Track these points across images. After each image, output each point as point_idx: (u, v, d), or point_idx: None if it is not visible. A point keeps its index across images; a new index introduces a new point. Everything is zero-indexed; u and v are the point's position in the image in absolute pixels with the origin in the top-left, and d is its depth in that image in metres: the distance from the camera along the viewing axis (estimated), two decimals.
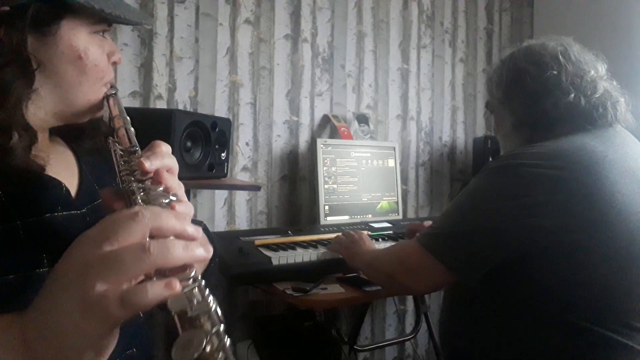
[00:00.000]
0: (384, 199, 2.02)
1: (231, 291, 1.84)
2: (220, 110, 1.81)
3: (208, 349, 0.37)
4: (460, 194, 1.08)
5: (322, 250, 1.46)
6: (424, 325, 2.09)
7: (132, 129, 0.62)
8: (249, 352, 1.71)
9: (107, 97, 0.67)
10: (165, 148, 0.57)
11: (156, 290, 0.38)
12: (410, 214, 2.31)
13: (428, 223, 1.62)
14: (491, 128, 2.51)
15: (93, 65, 0.64)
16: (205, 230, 0.79)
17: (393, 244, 1.56)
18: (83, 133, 0.71)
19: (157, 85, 1.69)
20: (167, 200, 0.50)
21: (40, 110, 0.62)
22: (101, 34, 0.66)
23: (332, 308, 1.91)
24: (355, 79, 2.15)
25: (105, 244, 0.39)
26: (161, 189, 0.52)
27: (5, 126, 0.57)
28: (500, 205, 0.95)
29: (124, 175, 0.55)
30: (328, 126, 2.06)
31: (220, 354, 0.37)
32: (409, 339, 2.21)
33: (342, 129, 2.00)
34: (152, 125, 1.36)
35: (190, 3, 1.75)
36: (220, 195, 1.82)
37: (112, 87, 0.69)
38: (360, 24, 2.17)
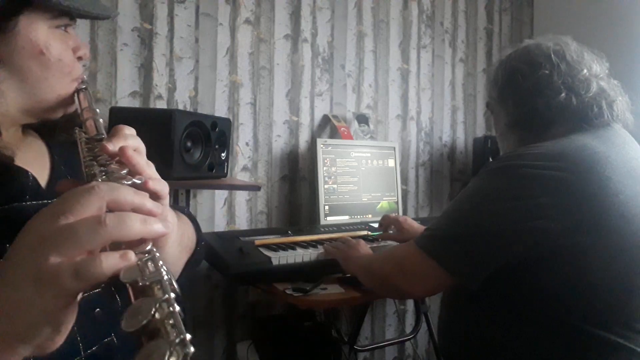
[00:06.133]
0: (384, 199, 2.02)
1: (231, 291, 1.84)
2: (220, 110, 1.81)
3: (157, 315, 0.36)
4: (459, 195, 1.06)
5: (322, 250, 1.46)
6: (424, 325, 2.09)
7: (101, 120, 0.62)
8: (249, 352, 1.71)
9: (77, 92, 0.67)
10: (128, 131, 0.56)
11: (110, 261, 0.38)
12: (410, 214, 2.31)
13: (404, 218, 1.62)
14: (491, 128, 2.51)
15: (57, 60, 0.64)
16: (189, 215, 0.79)
17: (394, 245, 1.56)
18: (57, 127, 0.71)
19: (157, 85, 1.69)
20: (129, 182, 0.49)
21: (3, 105, 0.62)
22: (63, 28, 0.66)
23: (332, 308, 1.91)
24: (355, 79, 2.15)
25: (61, 218, 0.39)
26: (124, 172, 0.51)
27: None
28: (502, 207, 0.93)
29: (87, 161, 0.54)
30: (328, 126, 2.06)
31: (170, 320, 0.37)
32: (409, 339, 2.21)
33: (342, 129, 2.00)
34: (152, 125, 1.36)
35: (190, 3, 1.75)
36: (220, 195, 1.82)
37: (83, 82, 0.68)
38: (360, 24, 2.17)
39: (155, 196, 0.50)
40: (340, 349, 1.80)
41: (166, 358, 0.34)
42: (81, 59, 0.69)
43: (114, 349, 0.66)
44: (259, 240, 1.51)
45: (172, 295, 0.38)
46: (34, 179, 0.64)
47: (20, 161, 0.63)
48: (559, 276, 0.92)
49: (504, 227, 0.93)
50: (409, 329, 2.30)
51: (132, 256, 0.39)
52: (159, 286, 0.39)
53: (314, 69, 2.03)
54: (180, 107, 1.73)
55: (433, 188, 2.41)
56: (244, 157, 1.87)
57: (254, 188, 1.79)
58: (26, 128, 0.70)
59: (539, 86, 1.04)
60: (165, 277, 0.39)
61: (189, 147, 1.45)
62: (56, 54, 0.64)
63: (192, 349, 0.35)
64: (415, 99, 2.34)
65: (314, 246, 1.50)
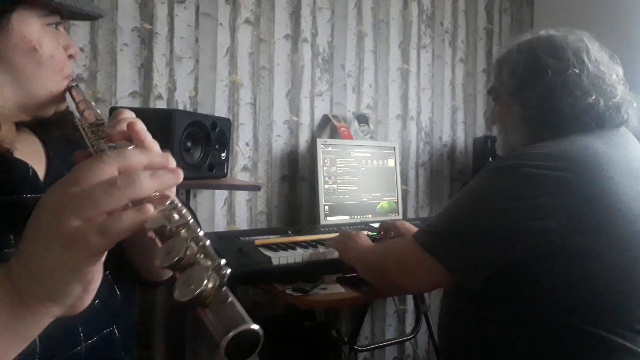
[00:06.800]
0: (384, 199, 2.02)
1: (231, 291, 1.83)
2: (220, 110, 1.81)
3: (188, 252, 0.38)
4: (459, 193, 1.05)
5: (322, 250, 1.46)
6: (424, 325, 2.09)
7: (98, 110, 0.64)
8: None
9: (68, 89, 0.68)
10: (129, 114, 0.59)
11: (131, 215, 0.40)
12: (410, 214, 2.31)
13: (401, 222, 1.58)
14: (491, 128, 2.51)
15: (49, 57, 0.65)
16: (188, 207, 0.80)
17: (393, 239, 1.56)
18: (49, 124, 0.72)
19: (157, 85, 1.69)
20: None
21: (0, 100, 0.63)
22: (54, 26, 0.67)
23: (332, 308, 1.91)
24: (355, 79, 2.15)
25: (75, 186, 0.40)
26: (131, 147, 0.52)
27: None
28: (503, 207, 0.93)
29: (94, 141, 0.55)
30: (328, 126, 2.06)
31: (201, 255, 0.39)
32: (409, 339, 2.21)
33: (342, 129, 2.00)
34: (152, 125, 1.35)
35: (190, 3, 1.75)
36: (220, 195, 1.82)
37: (74, 80, 0.70)
38: (360, 24, 2.17)
39: None
40: (340, 349, 1.80)
41: (204, 283, 0.36)
42: (72, 57, 0.70)
43: (115, 340, 0.66)
44: (259, 240, 1.51)
45: (200, 232, 0.40)
46: (34, 171, 0.65)
47: (18, 155, 0.64)
48: (559, 276, 0.92)
49: (504, 227, 0.93)
50: (409, 329, 2.30)
51: (150, 207, 0.41)
52: (185, 229, 0.41)
53: (314, 69, 2.03)
54: (180, 107, 1.72)
55: (433, 188, 2.41)
56: (244, 157, 1.87)
57: (254, 188, 1.79)
58: (20, 125, 0.71)
59: (568, 85, 1.00)
60: (191, 221, 0.42)
61: (189, 147, 1.45)
62: (48, 50, 0.65)
63: (228, 270, 0.37)
64: (415, 99, 2.34)
65: (314, 246, 1.50)
